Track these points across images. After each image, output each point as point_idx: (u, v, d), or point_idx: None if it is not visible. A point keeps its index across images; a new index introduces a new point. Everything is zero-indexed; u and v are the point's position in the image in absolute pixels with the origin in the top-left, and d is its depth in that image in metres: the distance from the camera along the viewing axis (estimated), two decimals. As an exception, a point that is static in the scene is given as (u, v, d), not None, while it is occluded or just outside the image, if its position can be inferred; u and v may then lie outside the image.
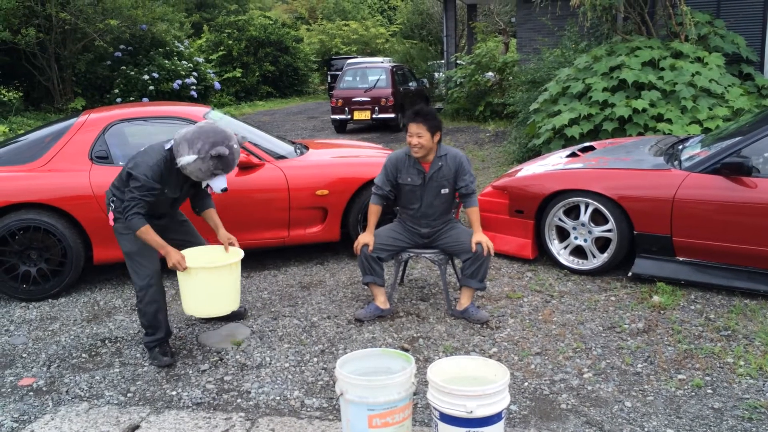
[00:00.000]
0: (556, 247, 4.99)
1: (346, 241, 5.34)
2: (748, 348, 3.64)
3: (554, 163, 5.42)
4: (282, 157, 5.32)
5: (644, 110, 7.28)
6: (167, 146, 3.54)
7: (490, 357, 3.65)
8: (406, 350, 3.76)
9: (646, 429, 2.94)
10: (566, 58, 9.57)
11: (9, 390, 3.51)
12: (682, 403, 3.13)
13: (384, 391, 2.57)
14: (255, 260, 5.40)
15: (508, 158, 9.57)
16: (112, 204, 3.66)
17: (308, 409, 3.21)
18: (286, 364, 3.67)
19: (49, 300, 4.76)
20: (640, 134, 7.16)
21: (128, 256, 3.65)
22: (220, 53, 25.81)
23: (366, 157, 5.87)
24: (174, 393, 3.41)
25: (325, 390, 3.39)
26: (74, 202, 4.71)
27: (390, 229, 4.26)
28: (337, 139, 11.81)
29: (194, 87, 19.81)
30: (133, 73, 18.67)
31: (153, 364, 3.71)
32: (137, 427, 3.09)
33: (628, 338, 3.83)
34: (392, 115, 14.16)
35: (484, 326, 4.06)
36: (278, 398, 3.32)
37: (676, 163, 4.73)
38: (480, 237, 4.02)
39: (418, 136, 3.95)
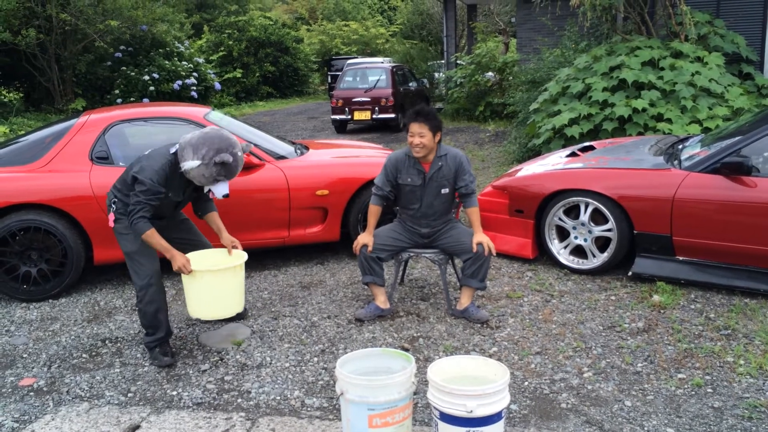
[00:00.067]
0: (556, 246, 4.99)
1: (346, 241, 5.35)
2: (748, 347, 3.64)
3: (554, 162, 5.43)
4: (282, 158, 5.32)
5: (644, 110, 7.28)
6: (172, 150, 3.56)
7: (491, 356, 3.65)
8: (407, 350, 3.77)
9: (646, 428, 2.94)
10: (566, 58, 9.58)
11: (10, 390, 3.51)
12: (682, 402, 3.14)
13: (384, 390, 2.58)
14: (255, 260, 5.40)
15: (508, 158, 9.57)
16: (113, 205, 3.67)
17: (308, 409, 3.21)
18: (287, 364, 3.67)
19: (50, 300, 4.76)
20: (640, 134, 7.16)
21: (128, 256, 3.66)
22: (221, 54, 25.82)
23: (366, 157, 5.87)
24: (174, 393, 3.42)
25: (325, 390, 3.39)
26: (75, 202, 4.72)
27: (390, 230, 4.26)
28: (337, 140, 11.82)
29: (194, 87, 19.82)
30: (133, 73, 18.68)
31: (153, 364, 3.72)
32: (138, 427, 3.09)
33: (628, 337, 3.83)
34: (392, 116, 14.16)
35: (484, 326, 4.06)
36: (278, 398, 3.33)
37: (675, 162, 4.73)
38: (481, 237, 4.03)
39: (420, 135, 3.95)
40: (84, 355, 3.90)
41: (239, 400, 3.32)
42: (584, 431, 2.94)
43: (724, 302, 4.25)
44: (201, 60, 21.73)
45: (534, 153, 8.26)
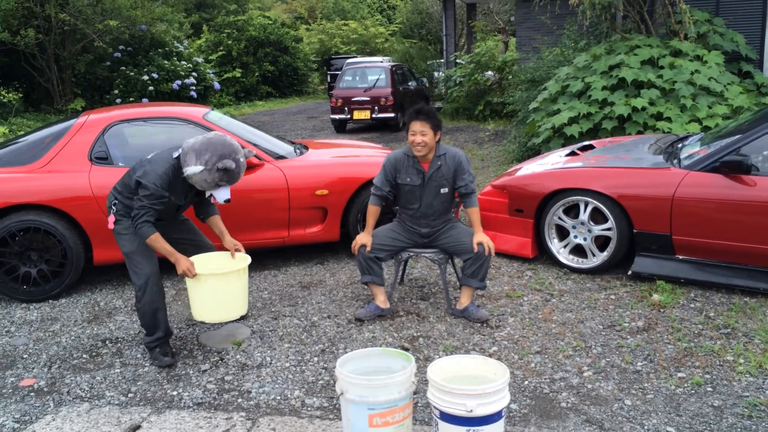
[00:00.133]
0: (555, 245, 4.99)
1: (346, 241, 5.34)
2: (747, 346, 3.64)
3: (554, 162, 5.43)
4: (281, 157, 5.32)
5: (643, 109, 7.28)
6: (175, 155, 3.58)
7: (490, 356, 3.65)
8: (407, 349, 3.77)
9: (646, 427, 2.94)
10: (565, 57, 9.58)
11: (10, 391, 3.51)
12: (681, 401, 3.14)
13: (384, 390, 2.58)
14: (255, 260, 5.37)
15: (508, 157, 9.57)
16: (113, 207, 3.68)
17: (309, 409, 3.22)
18: (287, 364, 3.68)
19: (50, 301, 4.76)
20: (639, 133, 7.17)
21: (127, 256, 3.67)
22: (220, 53, 25.81)
23: (366, 156, 5.87)
24: (175, 393, 3.42)
25: (325, 389, 3.39)
26: (74, 203, 4.72)
27: (389, 229, 4.26)
28: (336, 139, 11.82)
29: (194, 87, 19.80)
30: (132, 73, 18.67)
31: (154, 365, 3.72)
32: (138, 427, 3.10)
33: (628, 336, 3.83)
34: (392, 115, 14.16)
35: (484, 325, 4.06)
36: (279, 398, 3.33)
37: (675, 161, 4.74)
38: (481, 237, 4.03)
39: (422, 134, 3.95)
40: (84, 356, 3.90)
41: (239, 400, 3.32)
42: (584, 430, 2.94)
43: (724, 301, 4.25)
44: (200, 60, 21.72)
45: (533, 152, 8.27)
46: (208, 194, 3.73)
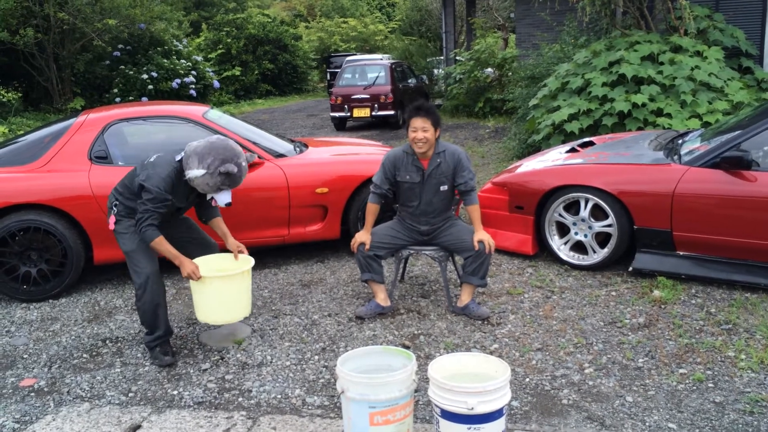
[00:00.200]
0: (556, 242, 4.98)
1: (346, 239, 5.33)
2: (749, 342, 3.64)
3: (554, 158, 5.42)
4: (281, 156, 5.32)
5: (644, 105, 7.27)
6: (177, 158, 3.59)
7: (491, 353, 3.65)
8: (407, 347, 3.77)
9: (647, 423, 2.94)
10: (565, 54, 9.56)
11: (10, 391, 3.51)
12: (683, 398, 3.13)
13: (385, 388, 2.58)
14: (255, 259, 5.37)
15: (508, 154, 9.56)
16: (114, 208, 3.70)
17: (309, 408, 3.21)
18: (287, 363, 3.67)
19: (50, 300, 4.76)
20: (639, 129, 7.16)
21: (128, 255, 3.67)
22: (219, 52, 25.78)
23: (366, 154, 5.86)
24: (175, 392, 3.42)
25: (326, 388, 3.39)
26: (74, 202, 4.71)
27: (388, 227, 4.26)
28: (336, 137, 11.82)
29: (193, 86, 19.80)
30: (131, 72, 18.67)
31: (154, 364, 3.72)
32: (139, 426, 3.09)
33: (629, 333, 3.83)
34: (392, 112, 14.15)
35: (485, 322, 4.06)
36: (279, 396, 3.32)
37: (675, 157, 4.73)
38: (482, 235, 4.02)
39: (423, 130, 3.94)
40: (84, 355, 3.90)
41: (240, 399, 3.32)
42: (585, 427, 2.94)
43: (725, 297, 4.25)
44: (199, 58, 21.71)
45: (534, 149, 8.25)
46: (209, 197, 3.75)
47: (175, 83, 19.10)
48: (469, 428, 2.49)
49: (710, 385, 3.24)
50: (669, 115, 7.16)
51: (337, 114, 14.54)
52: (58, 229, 4.66)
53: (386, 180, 4.15)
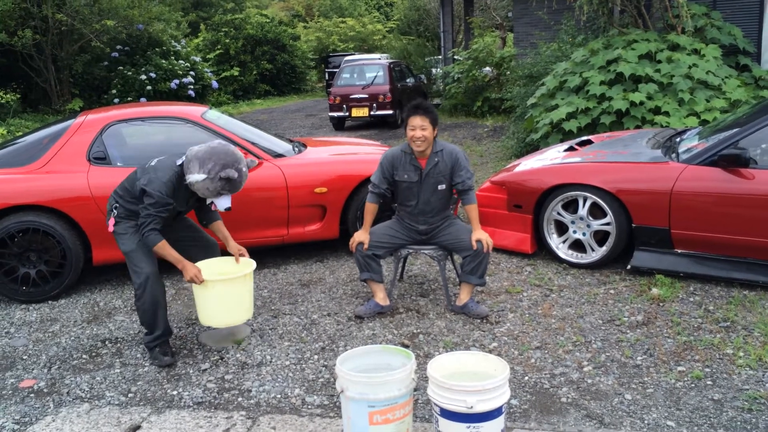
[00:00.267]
0: (554, 241, 4.99)
1: (345, 239, 5.32)
2: (747, 339, 3.64)
3: (552, 157, 5.42)
4: (280, 156, 5.32)
5: (641, 103, 7.28)
6: (178, 162, 3.61)
7: (490, 352, 3.66)
8: (406, 346, 3.77)
9: (646, 421, 2.95)
10: (563, 52, 9.56)
11: (10, 392, 3.51)
12: (682, 395, 3.14)
13: (384, 387, 2.58)
14: (254, 259, 5.37)
15: (507, 153, 9.57)
16: (114, 210, 3.71)
17: (309, 407, 3.22)
18: (287, 362, 3.68)
19: (49, 302, 4.76)
20: (637, 127, 7.16)
21: (127, 255, 3.68)
22: (217, 52, 25.77)
23: (364, 154, 5.86)
24: (175, 393, 3.42)
25: (325, 387, 3.39)
26: (73, 203, 4.72)
27: (387, 227, 4.26)
28: (335, 137, 11.82)
29: (192, 86, 19.79)
30: (130, 73, 18.65)
31: (153, 364, 3.72)
32: (138, 427, 3.10)
33: (628, 331, 3.84)
34: (390, 112, 14.15)
35: (484, 321, 4.06)
36: (279, 396, 3.33)
37: (673, 155, 4.73)
38: (480, 234, 4.02)
39: (421, 128, 3.95)
40: (84, 356, 3.90)
41: (240, 399, 3.32)
42: (584, 425, 2.94)
43: (723, 294, 4.25)
44: (198, 59, 21.70)
45: (532, 148, 8.26)
46: (209, 201, 3.77)
47: (174, 84, 19.09)
48: (469, 427, 2.50)
49: (709, 382, 3.24)
50: (667, 114, 7.16)
51: (335, 114, 14.54)
52: (57, 230, 4.66)
53: (384, 179, 4.15)
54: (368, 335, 3.97)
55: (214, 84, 21.68)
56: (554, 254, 5.00)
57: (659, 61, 7.59)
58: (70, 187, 4.75)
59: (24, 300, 4.73)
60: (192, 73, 20.19)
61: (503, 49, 17.56)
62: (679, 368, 3.38)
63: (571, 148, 5.60)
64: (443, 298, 4.40)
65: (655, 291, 4.32)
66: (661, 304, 4.17)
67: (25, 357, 3.93)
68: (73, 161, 4.85)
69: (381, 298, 4.22)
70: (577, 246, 4.92)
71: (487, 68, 15.32)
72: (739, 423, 2.90)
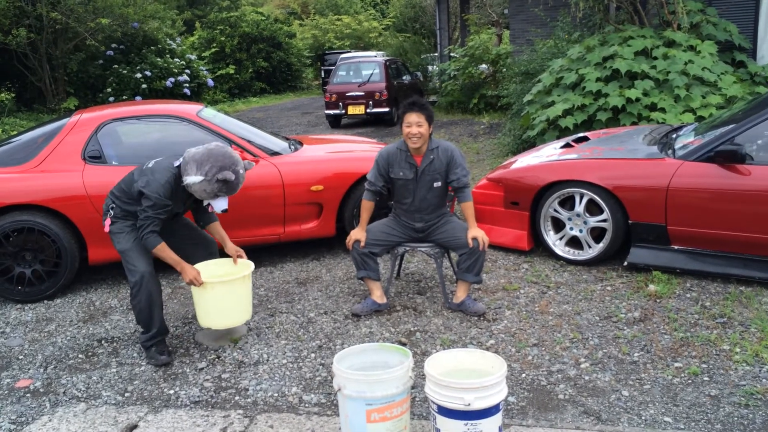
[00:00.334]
0: (551, 238, 4.99)
1: (341, 237, 5.33)
2: (744, 335, 3.65)
3: (549, 154, 5.42)
4: (276, 154, 5.31)
5: (638, 100, 7.28)
6: (176, 163, 3.62)
7: (488, 349, 3.66)
8: (404, 344, 3.77)
9: (643, 417, 2.95)
10: (559, 49, 9.56)
11: (6, 392, 3.50)
12: (678, 391, 3.14)
13: (382, 385, 2.58)
14: (251, 257, 5.35)
15: (503, 150, 9.57)
16: (111, 211, 3.71)
17: (306, 405, 3.21)
18: (284, 361, 3.67)
19: (45, 301, 4.75)
20: (633, 124, 7.16)
21: (123, 254, 3.68)
22: (213, 50, 25.72)
23: (361, 151, 5.86)
24: (172, 392, 3.41)
25: (323, 385, 3.39)
26: (68, 202, 4.70)
27: (383, 224, 4.26)
28: (331, 135, 11.80)
29: (187, 84, 19.75)
30: (125, 71, 18.60)
31: (150, 363, 3.71)
32: (135, 426, 3.09)
33: (625, 327, 3.84)
34: (386, 110, 14.14)
35: (481, 318, 4.06)
36: (276, 395, 3.32)
37: (669, 151, 4.73)
38: (476, 232, 4.02)
39: (417, 125, 3.94)
40: (80, 356, 3.89)
41: (237, 398, 3.32)
42: (582, 422, 2.94)
43: (720, 290, 4.26)
44: (193, 57, 21.65)
45: (528, 145, 8.26)
46: (206, 203, 3.77)
47: (169, 82, 19.05)
48: (466, 424, 2.49)
49: (705, 378, 3.25)
50: (663, 110, 7.16)
51: (331, 111, 14.52)
52: (52, 229, 4.65)
53: (380, 177, 4.15)
54: (365, 333, 3.96)
55: (210, 82, 21.64)
56: (551, 251, 5.00)
57: (655, 58, 7.59)
58: (66, 186, 4.73)
59: (19, 300, 4.71)
60: (187, 71, 20.14)
61: (499, 46, 17.54)
62: (676, 364, 3.38)
63: (567, 145, 5.60)
64: (440, 296, 4.40)
65: (651, 287, 4.32)
66: (657, 300, 4.18)
67: (21, 357, 3.91)
68: (68, 160, 4.83)
69: (378, 296, 4.21)
70: (574, 243, 4.92)
71: (484, 65, 15.31)
72: (735, 419, 2.90)
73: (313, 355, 3.73)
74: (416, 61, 20.79)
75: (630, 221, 4.61)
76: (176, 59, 20.11)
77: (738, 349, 3.48)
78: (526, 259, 5.07)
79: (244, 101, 24.33)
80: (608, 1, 8.73)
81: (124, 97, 18.09)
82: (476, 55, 15.22)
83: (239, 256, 3.95)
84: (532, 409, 3.07)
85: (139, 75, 18.51)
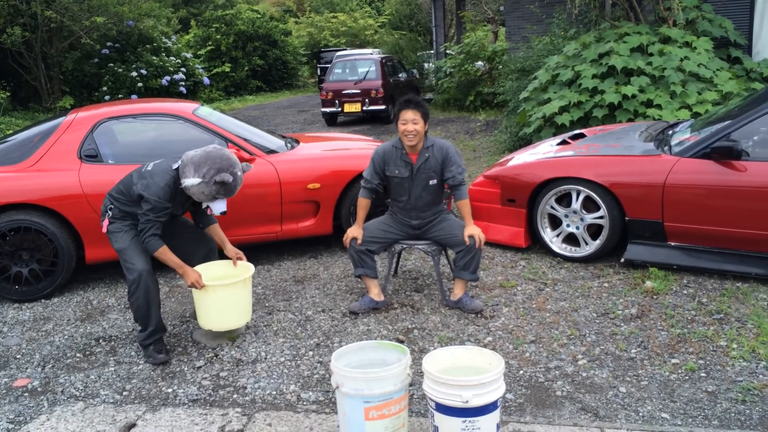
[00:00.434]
0: (548, 235, 5.00)
1: (338, 234, 5.32)
2: (740, 331, 3.66)
3: (545, 151, 5.43)
4: (273, 152, 5.30)
5: (634, 96, 7.29)
6: (174, 166, 3.63)
7: (485, 346, 3.66)
8: (401, 342, 3.77)
9: (640, 414, 2.96)
10: (555, 46, 9.57)
11: (4, 391, 3.49)
12: (676, 387, 3.15)
13: (380, 383, 2.58)
14: (248, 256, 5.36)
15: (500, 147, 9.57)
16: (109, 212, 3.73)
17: (305, 403, 3.21)
18: (282, 359, 3.67)
19: (42, 300, 4.74)
20: (630, 120, 7.17)
21: (120, 253, 3.69)
22: (209, 48, 25.66)
23: (357, 149, 5.85)
24: (170, 390, 3.41)
25: (321, 383, 3.39)
26: (64, 201, 4.69)
27: (380, 222, 4.26)
28: (327, 132, 11.79)
29: (183, 83, 19.69)
30: (120, 70, 18.55)
31: (148, 362, 3.71)
32: (133, 425, 3.09)
33: (622, 324, 3.85)
34: (383, 107, 14.13)
35: (479, 316, 4.07)
36: (274, 393, 3.32)
37: (666, 148, 4.74)
38: (472, 229, 4.02)
39: (413, 122, 3.94)
40: (78, 355, 3.88)
41: (235, 396, 3.32)
42: (580, 418, 2.95)
43: (716, 287, 4.27)
44: (189, 55, 21.59)
45: (525, 142, 8.27)
46: (204, 205, 3.78)
47: (165, 80, 18.99)
48: (464, 421, 2.50)
49: (702, 374, 3.26)
50: (659, 106, 7.18)
51: (327, 109, 14.51)
52: (48, 228, 4.64)
53: (376, 175, 4.15)
54: (363, 331, 3.96)
55: (206, 80, 21.59)
56: (548, 248, 5.00)
57: (651, 54, 7.60)
58: (62, 185, 4.72)
59: (17, 299, 4.70)
60: (183, 69, 20.09)
61: (495, 43, 17.55)
62: (673, 360, 3.39)
63: (563, 142, 5.60)
64: (438, 293, 4.41)
65: (648, 284, 4.33)
66: (654, 296, 4.19)
67: (18, 356, 3.91)
68: (64, 159, 4.82)
69: (375, 293, 4.22)
70: (571, 240, 4.93)
71: (480, 62, 15.31)
72: (732, 414, 2.91)
73: (311, 353, 3.73)
74: (412, 58, 20.79)
75: (627, 218, 4.62)
76: (172, 57, 20.05)
77: (735, 345, 3.50)
78: (523, 256, 5.07)
79: (240, 99, 24.29)
80: (604, -3, 8.74)
81: (120, 96, 18.04)
82: (472, 52, 15.21)
83: (239, 258, 3.97)
84: (530, 406, 3.08)
85: (134, 73, 18.45)
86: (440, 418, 2.55)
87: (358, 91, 14.18)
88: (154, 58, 19.30)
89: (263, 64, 27.08)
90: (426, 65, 20.24)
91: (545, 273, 4.71)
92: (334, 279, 4.86)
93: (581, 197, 4.77)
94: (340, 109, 14.34)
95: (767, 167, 4.19)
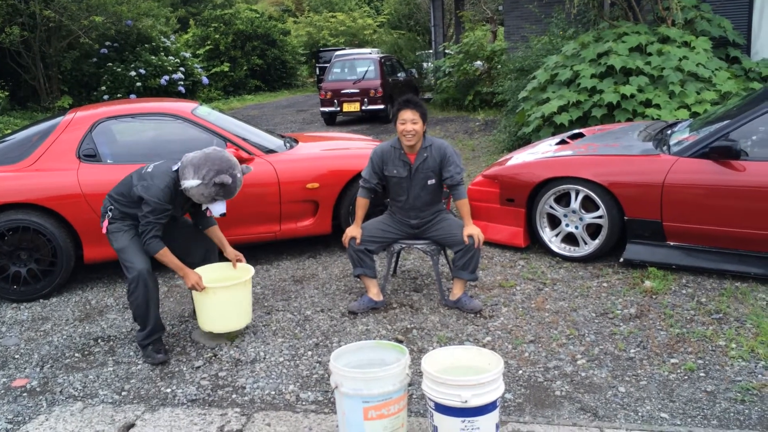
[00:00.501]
0: (547, 234, 5.00)
1: (337, 234, 5.32)
2: (739, 330, 3.66)
3: (544, 150, 5.43)
4: (271, 151, 5.30)
5: (632, 96, 7.29)
6: (174, 168, 3.64)
7: (484, 346, 3.66)
8: (400, 341, 3.77)
9: (640, 413, 2.96)
10: (554, 46, 9.57)
11: (2, 391, 3.49)
12: (675, 387, 3.15)
13: (379, 383, 2.58)
14: (247, 255, 5.35)
15: (498, 147, 9.57)
16: (109, 212, 3.73)
17: (303, 403, 3.21)
18: (281, 359, 3.67)
19: (41, 300, 4.73)
20: (628, 120, 7.18)
21: (120, 252, 3.69)
22: (207, 48, 25.65)
23: (356, 149, 5.84)
24: (168, 390, 3.41)
25: (320, 383, 3.39)
26: (63, 201, 4.68)
27: (379, 221, 4.26)
28: (326, 132, 11.79)
29: (182, 82, 19.68)
30: (119, 69, 18.53)
31: (147, 362, 3.71)
32: (132, 425, 3.08)
33: (621, 324, 3.85)
34: (381, 107, 14.13)
35: (478, 315, 4.07)
36: (273, 393, 3.32)
37: (665, 148, 4.74)
38: (471, 229, 4.02)
39: (412, 122, 3.94)
40: (76, 355, 3.88)
41: (234, 396, 3.32)
42: (579, 418, 2.95)
43: (715, 286, 4.27)
44: (188, 54, 21.57)
45: (524, 141, 8.27)
46: (204, 207, 3.79)
47: (164, 80, 18.98)
48: (463, 421, 2.50)
49: (701, 374, 3.26)
50: (658, 106, 7.18)
51: (326, 109, 14.50)
52: (47, 228, 4.63)
53: (375, 174, 4.15)
54: (362, 331, 3.96)
55: (205, 80, 21.58)
56: (547, 248, 5.00)
57: (650, 54, 7.61)
58: (61, 185, 4.72)
59: (15, 299, 4.70)
60: (182, 69, 20.07)
61: (494, 42, 17.55)
62: (672, 360, 3.39)
63: (562, 142, 5.60)
64: (437, 293, 4.40)
65: (647, 284, 4.33)
66: (653, 296, 4.19)
67: (17, 356, 3.90)
68: (63, 159, 4.81)
69: (374, 293, 4.22)
70: (570, 239, 4.93)
71: (478, 62, 15.31)
72: (732, 414, 2.91)
73: (309, 352, 3.72)
74: (411, 58, 20.78)
75: (626, 218, 4.62)
76: (171, 57, 20.03)
77: (734, 345, 3.50)
78: (522, 256, 5.07)
79: (238, 99, 24.28)
80: (603, -3, 8.75)
81: (119, 96, 18.02)
82: (471, 51, 15.21)
83: (238, 260, 3.98)
84: (529, 406, 3.08)
85: (133, 73, 18.43)
86: (439, 418, 2.55)
87: (357, 91, 14.17)
88: (153, 57, 19.28)
89: (262, 64, 27.07)
90: (425, 65, 20.24)
91: (544, 273, 4.71)
92: (332, 279, 4.85)
93: (580, 197, 4.77)
94: (338, 109, 14.34)
95: (766, 167, 4.19)
